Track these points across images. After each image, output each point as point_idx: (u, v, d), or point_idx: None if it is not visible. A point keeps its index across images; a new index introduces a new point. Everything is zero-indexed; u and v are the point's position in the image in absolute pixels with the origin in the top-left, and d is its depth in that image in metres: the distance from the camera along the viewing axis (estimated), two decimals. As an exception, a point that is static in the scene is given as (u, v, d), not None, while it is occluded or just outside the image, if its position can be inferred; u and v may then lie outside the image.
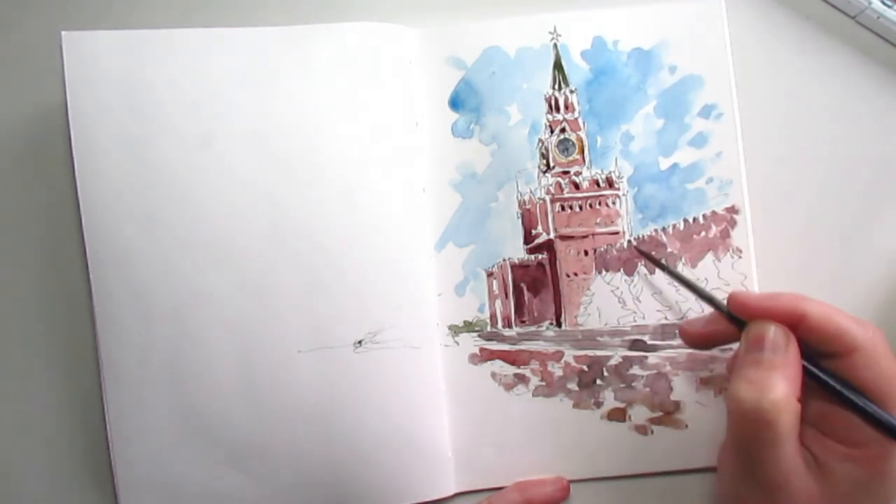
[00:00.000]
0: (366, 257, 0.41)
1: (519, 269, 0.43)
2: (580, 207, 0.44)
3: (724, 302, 0.37)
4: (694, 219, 0.43)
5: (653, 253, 0.42)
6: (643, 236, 0.43)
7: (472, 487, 0.42)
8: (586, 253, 0.43)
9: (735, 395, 0.34)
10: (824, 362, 0.34)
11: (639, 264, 0.43)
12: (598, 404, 0.42)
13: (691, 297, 0.42)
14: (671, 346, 0.42)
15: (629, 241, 0.43)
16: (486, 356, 0.43)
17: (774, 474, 0.33)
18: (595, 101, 0.43)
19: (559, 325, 0.43)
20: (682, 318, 0.42)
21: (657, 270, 0.42)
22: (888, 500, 0.34)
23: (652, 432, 0.42)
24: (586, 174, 0.44)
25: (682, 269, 0.43)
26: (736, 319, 0.36)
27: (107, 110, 0.41)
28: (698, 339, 0.39)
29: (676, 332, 0.41)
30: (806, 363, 0.34)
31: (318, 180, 0.42)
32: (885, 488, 0.33)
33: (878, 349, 0.33)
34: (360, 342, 0.41)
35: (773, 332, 0.34)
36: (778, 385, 0.33)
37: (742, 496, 0.35)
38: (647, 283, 0.43)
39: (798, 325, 0.34)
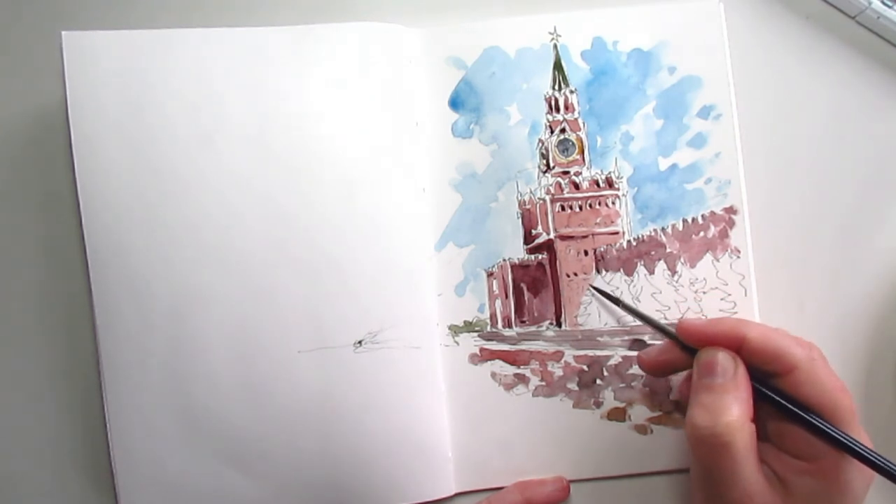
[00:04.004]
0: (366, 257, 0.41)
1: (519, 269, 0.43)
2: (580, 207, 0.44)
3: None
4: (693, 219, 0.43)
5: (615, 293, 0.43)
6: (642, 236, 0.43)
7: (472, 487, 0.42)
8: (586, 253, 0.43)
9: (691, 421, 0.35)
10: (770, 382, 0.36)
11: (638, 264, 0.43)
12: (598, 404, 0.42)
13: (690, 296, 0.42)
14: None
15: (590, 286, 0.43)
16: (486, 356, 0.43)
17: (738, 496, 0.34)
18: (595, 102, 0.44)
19: (559, 325, 0.43)
20: (681, 317, 0.42)
21: (656, 270, 0.43)
22: None
23: (652, 432, 0.42)
24: (586, 174, 0.44)
25: (682, 268, 0.43)
26: (688, 347, 0.38)
27: (107, 110, 0.41)
28: (654, 366, 0.40)
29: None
30: (755, 383, 0.35)
31: (317, 180, 0.42)
32: (843, 498, 0.34)
33: (817, 365, 0.35)
34: (360, 342, 0.41)
35: (722, 357, 0.35)
36: (731, 408, 0.34)
37: None
38: (646, 283, 0.43)
39: (741, 349, 0.36)
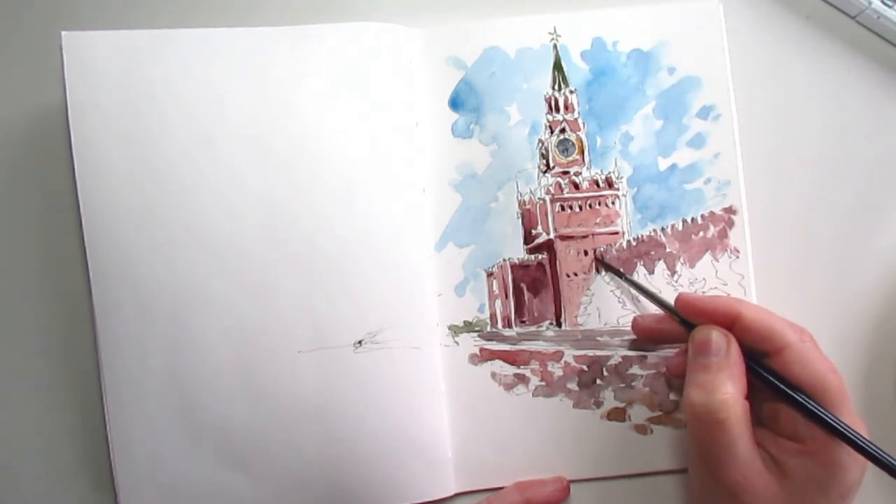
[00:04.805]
0: (366, 257, 0.41)
1: (519, 269, 0.43)
2: (580, 207, 0.44)
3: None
4: (692, 219, 0.43)
5: (618, 268, 0.43)
6: (642, 236, 0.43)
7: (472, 487, 0.42)
8: (586, 253, 0.43)
9: (688, 399, 0.36)
10: (763, 361, 0.36)
11: (638, 264, 0.43)
12: (598, 404, 0.42)
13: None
14: (670, 346, 0.42)
15: (595, 251, 0.43)
16: (486, 356, 0.43)
17: (735, 475, 0.34)
18: (595, 102, 0.44)
19: (559, 325, 0.43)
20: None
21: (656, 270, 0.43)
22: (845, 490, 0.35)
23: (652, 432, 0.42)
24: (586, 174, 0.44)
25: (681, 268, 0.43)
26: (684, 322, 0.38)
27: (107, 110, 0.41)
28: (647, 333, 0.41)
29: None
30: (749, 361, 0.36)
31: (317, 180, 0.42)
32: (837, 478, 0.34)
33: (808, 346, 0.35)
34: (360, 342, 0.41)
35: (716, 336, 0.36)
36: (725, 385, 0.35)
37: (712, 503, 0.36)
38: (646, 283, 0.43)
39: (734, 325, 0.36)
